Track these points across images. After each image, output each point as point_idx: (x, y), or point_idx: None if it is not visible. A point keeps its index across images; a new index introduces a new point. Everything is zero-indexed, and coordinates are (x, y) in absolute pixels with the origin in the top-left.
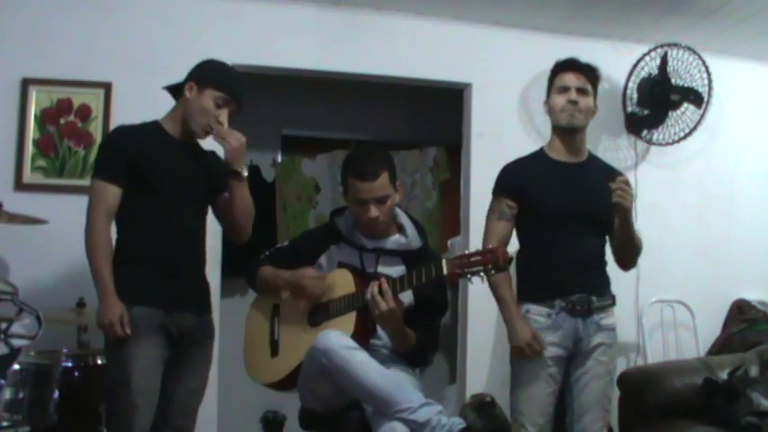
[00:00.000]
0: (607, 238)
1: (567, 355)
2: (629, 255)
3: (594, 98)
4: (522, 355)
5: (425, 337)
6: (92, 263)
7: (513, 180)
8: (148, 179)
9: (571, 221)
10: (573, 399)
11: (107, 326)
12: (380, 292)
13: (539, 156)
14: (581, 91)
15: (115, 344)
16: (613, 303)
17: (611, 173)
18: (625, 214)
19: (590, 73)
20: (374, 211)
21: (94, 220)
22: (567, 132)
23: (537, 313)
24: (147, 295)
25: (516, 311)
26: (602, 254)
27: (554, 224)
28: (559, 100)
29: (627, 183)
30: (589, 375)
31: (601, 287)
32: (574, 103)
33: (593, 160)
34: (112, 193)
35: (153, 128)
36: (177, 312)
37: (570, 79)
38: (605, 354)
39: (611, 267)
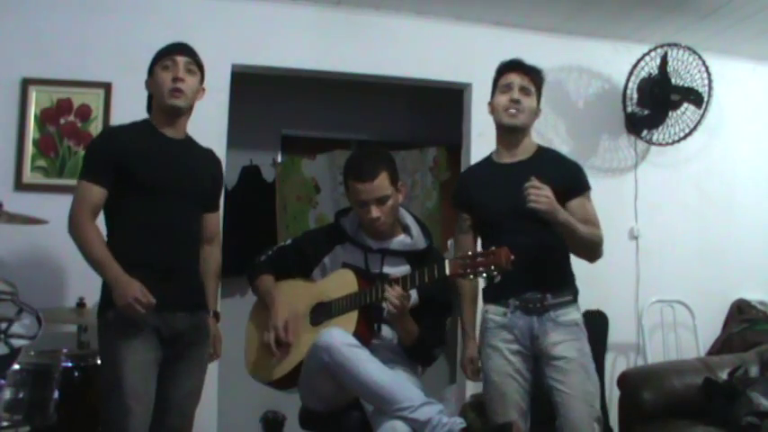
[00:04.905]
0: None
1: (527, 352)
2: (579, 250)
3: (538, 100)
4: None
5: (428, 333)
6: (88, 254)
7: (460, 192)
8: (137, 180)
9: (514, 220)
10: (556, 402)
11: (128, 306)
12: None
13: (485, 162)
14: (524, 90)
15: (108, 347)
16: (574, 300)
17: (559, 163)
18: (551, 216)
19: (534, 74)
20: (375, 212)
21: (79, 217)
22: (509, 132)
23: (494, 313)
24: None
25: (470, 334)
26: (559, 248)
27: (499, 225)
28: (502, 99)
29: (535, 185)
30: (560, 375)
31: (557, 284)
32: (516, 101)
33: (542, 155)
34: (97, 193)
35: (143, 127)
36: (169, 313)
37: (513, 78)
38: (570, 350)
39: (606, 268)
